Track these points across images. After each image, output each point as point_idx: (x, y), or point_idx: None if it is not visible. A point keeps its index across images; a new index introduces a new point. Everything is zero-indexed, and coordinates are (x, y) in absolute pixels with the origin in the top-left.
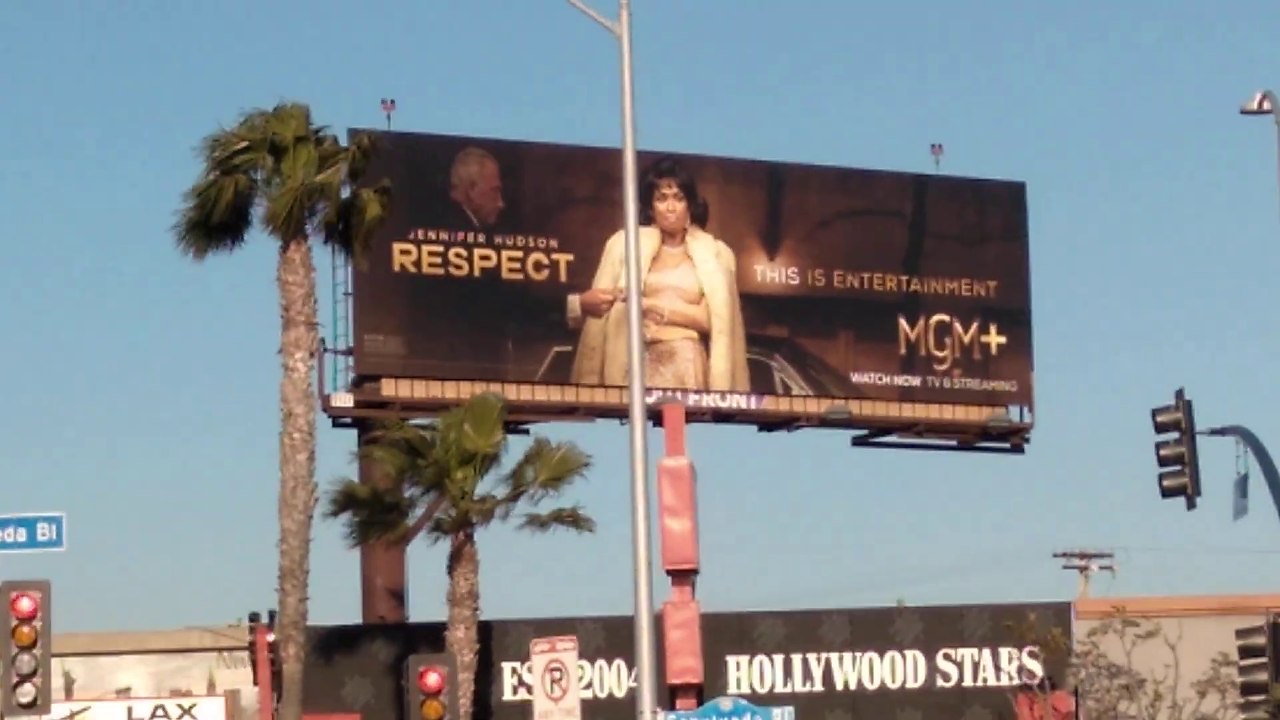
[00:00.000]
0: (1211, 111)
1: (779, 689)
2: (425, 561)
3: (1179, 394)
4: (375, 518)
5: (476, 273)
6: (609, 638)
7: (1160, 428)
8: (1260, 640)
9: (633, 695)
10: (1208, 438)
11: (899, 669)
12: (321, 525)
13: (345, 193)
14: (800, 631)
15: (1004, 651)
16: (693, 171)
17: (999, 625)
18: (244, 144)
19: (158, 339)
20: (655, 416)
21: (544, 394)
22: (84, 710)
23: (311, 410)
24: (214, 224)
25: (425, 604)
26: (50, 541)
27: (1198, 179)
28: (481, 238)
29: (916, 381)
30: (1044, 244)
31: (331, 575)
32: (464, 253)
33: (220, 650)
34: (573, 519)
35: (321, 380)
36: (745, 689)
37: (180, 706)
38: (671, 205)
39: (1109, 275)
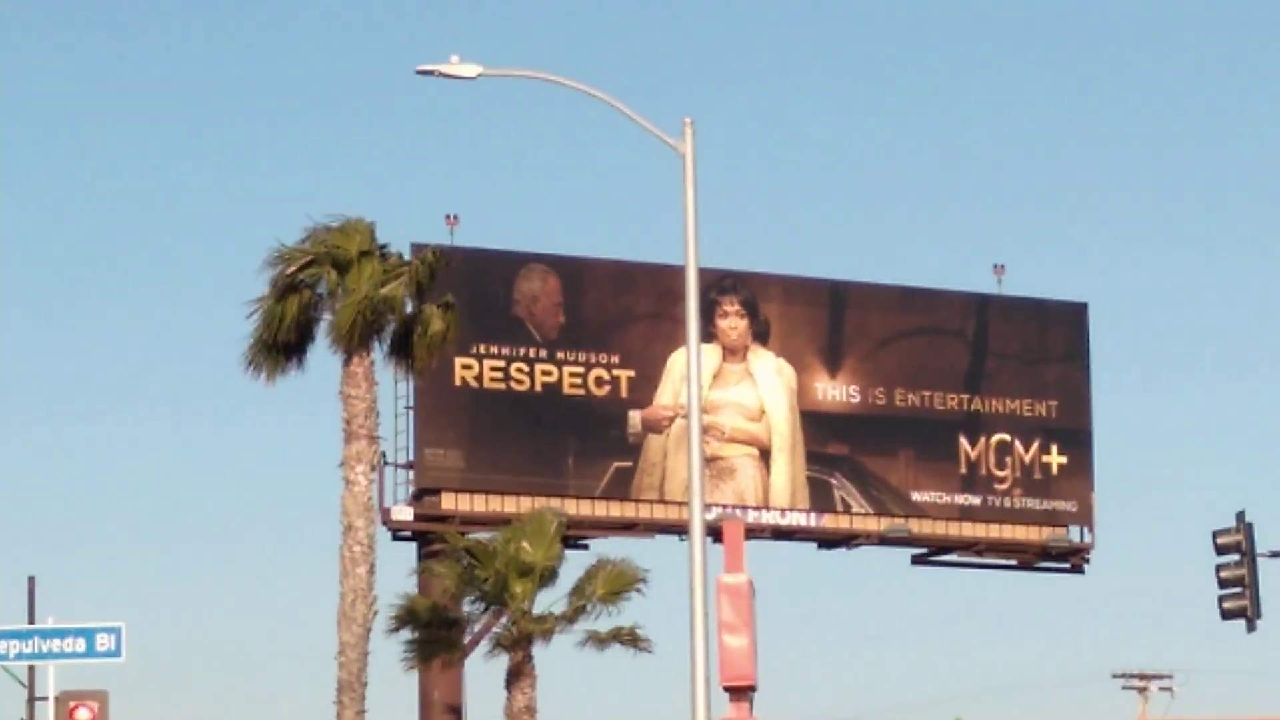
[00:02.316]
0: (1273, 233)
1: None
2: (483, 676)
3: (1240, 516)
4: (434, 635)
5: (538, 388)
6: None
7: (1221, 550)
8: None
9: None
10: (1269, 560)
11: None
12: (380, 639)
13: (409, 307)
14: None
15: None
16: (755, 289)
17: None
18: (308, 258)
19: (219, 451)
20: (715, 533)
21: (604, 509)
22: None
23: (372, 524)
24: (279, 343)
25: (483, 719)
26: (109, 652)
27: (1258, 301)
28: (543, 353)
29: (977, 501)
30: (1106, 364)
31: (389, 688)
32: (525, 368)
33: None
34: (631, 639)
35: (382, 494)
36: None
37: None
38: (733, 322)
39: (1170, 396)
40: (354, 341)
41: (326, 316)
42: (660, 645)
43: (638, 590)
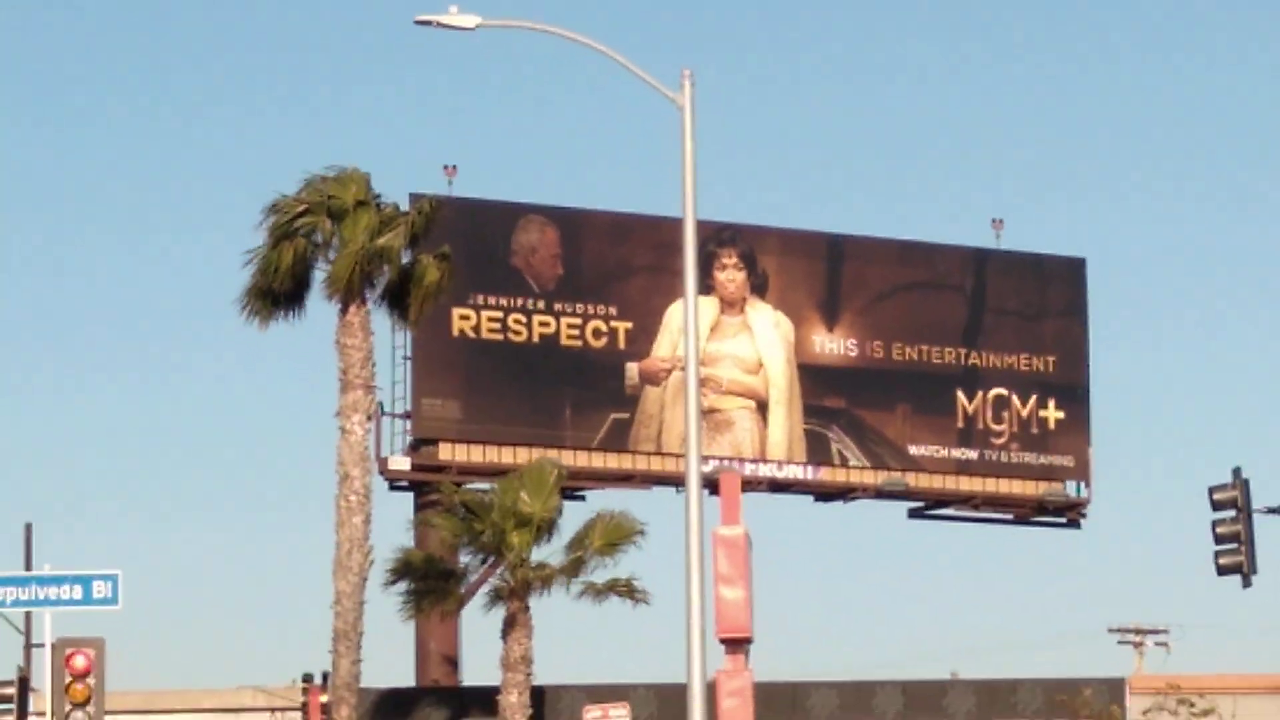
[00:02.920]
0: (1276, 187)
1: None
2: (479, 626)
3: (1236, 472)
4: (431, 586)
5: (535, 339)
6: (661, 705)
7: (1217, 505)
8: None
9: None
10: (1264, 516)
11: None
12: (376, 587)
13: (405, 258)
14: (853, 702)
15: None
16: (753, 242)
17: (1052, 700)
18: (303, 207)
19: (215, 399)
20: (711, 485)
21: (601, 461)
22: None
23: (368, 473)
24: (275, 290)
25: (478, 668)
26: (105, 599)
27: (1257, 257)
28: (541, 304)
29: (974, 455)
30: (1103, 319)
31: (385, 638)
32: (523, 319)
33: (273, 710)
34: (628, 590)
35: (379, 444)
36: None
37: None
38: (731, 275)
39: (1168, 351)
40: (350, 291)
41: (323, 266)
42: (657, 597)
43: (634, 543)
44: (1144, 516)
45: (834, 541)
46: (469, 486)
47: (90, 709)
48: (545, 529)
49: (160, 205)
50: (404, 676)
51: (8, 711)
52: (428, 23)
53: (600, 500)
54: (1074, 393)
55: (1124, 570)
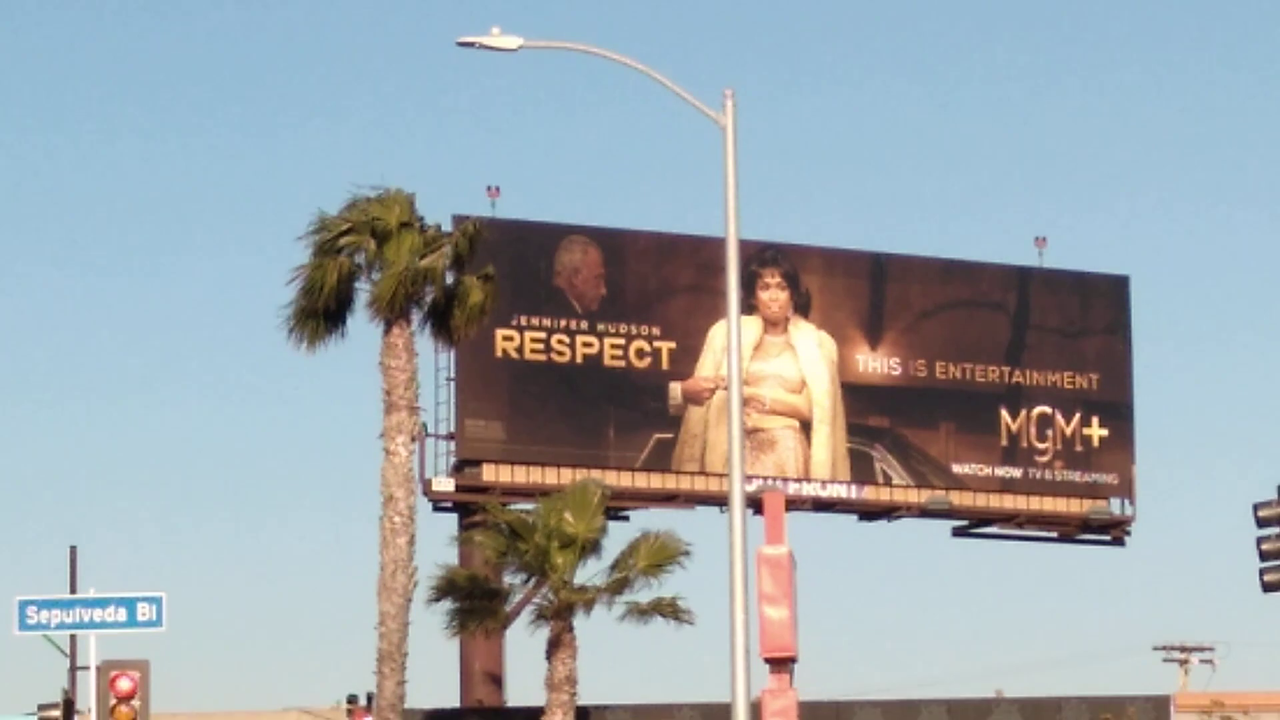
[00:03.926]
0: None
1: None
2: (524, 646)
3: None
4: (475, 605)
5: (579, 359)
6: None
7: (1262, 522)
8: None
9: None
10: None
11: None
12: (421, 608)
13: (449, 279)
14: None
15: None
16: (796, 261)
17: (1097, 717)
18: (347, 227)
19: (259, 420)
20: (755, 504)
21: (644, 481)
22: None
23: (412, 494)
24: (320, 311)
25: (523, 688)
26: (150, 622)
27: None
28: (584, 325)
29: (1018, 473)
30: (1147, 337)
31: (430, 658)
32: (566, 339)
33: None
34: (672, 610)
35: (423, 465)
36: None
37: None
38: (774, 294)
39: (1212, 368)
40: (394, 312)
41: (366, 286)
42: (700, 616)
43: (679, 563)
44: (1189, 533)
45: (878, 560)
46: (513, 507)
47: None
48: (589, 549)
49: (205, 225)
50: (449, 697)
51: None
52: (470, 44)
53: (644, 520)
54: (1118, 410)
55: (1169, 587)
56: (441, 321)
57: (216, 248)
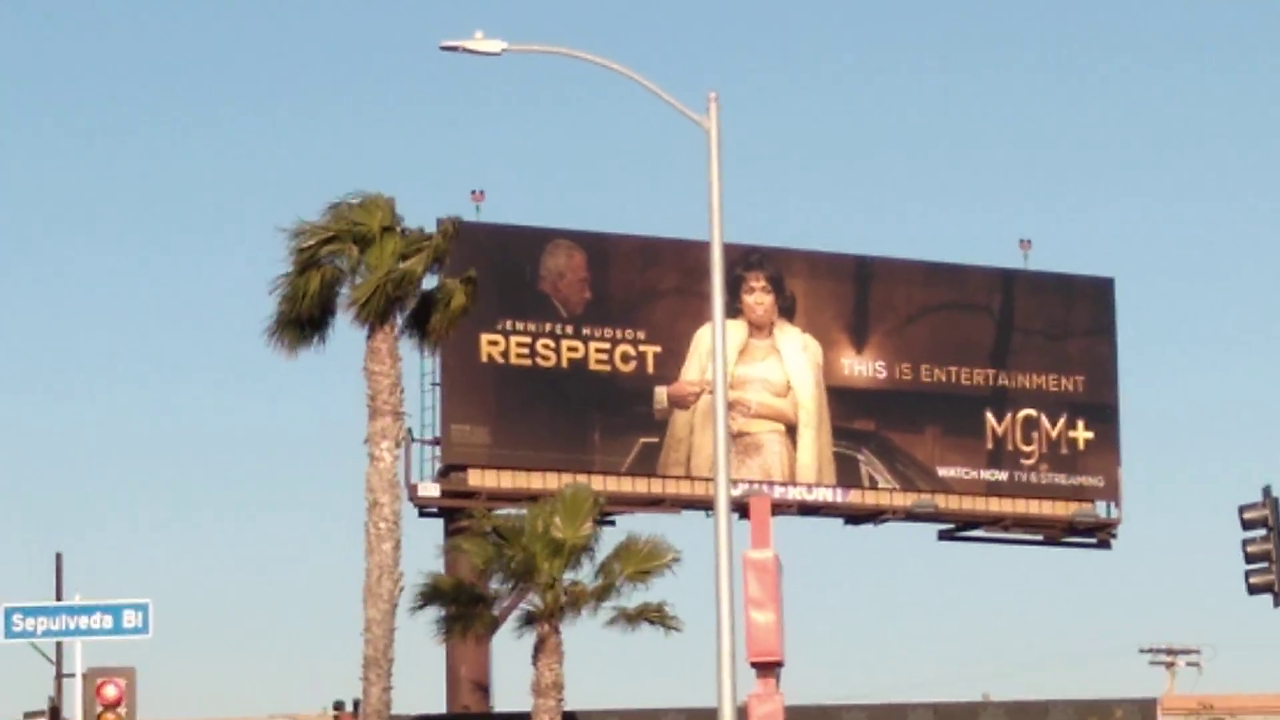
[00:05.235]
0: None
1: None
2: (510, 652)
3: (1266, 491)
4: (461, 611)
5: (564, 364)
6: None
7: (1247, 525)
8: None
9: None
10: None
11: None
12: (406, 614)
13: (431, 283)
14: None
15: None
16: (780, 265)
17: None
18: (329, 234)
19: (243, 427)
20: (741, 509)
21: (630, 485)
22: None
23: (397, 500)
24: (302, 318)
25: (509, 694)
26: (136, 629)
27: None
28: (569, 329)
29: (1003, 476)
30: (1132, 339)
31: (416, 664)
32: (551, 344)
33: None
34: (659, 617)
35: (408, 470)
36: None
37: None
38: (759, 298)
39: (1197, 371)
40: (376, 317)
41: (348, 292)
42: (687, 620)
43: (669, 569)
44: (1174, 536)
45: (864, 564)
46: (499, 512)
47: None
48: (577, 554)
49: (183, 229)
50: (435, 703)
51: None
52: (454, 48)
53: (630, 525)
54: (1103, 413)
55: (1155, 590)
56: (423, 325)
57: (198, 250)
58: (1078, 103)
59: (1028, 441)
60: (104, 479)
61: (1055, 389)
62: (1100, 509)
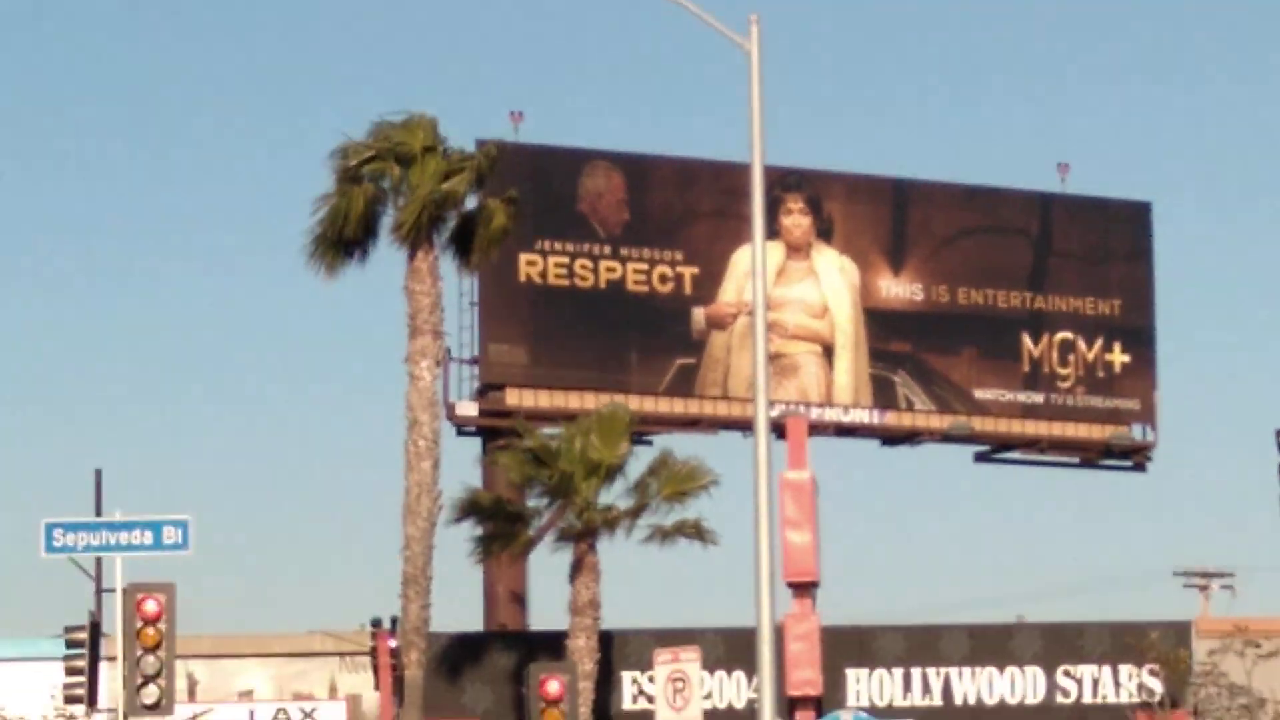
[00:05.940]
0: None
1: (898, 703)
2: (547, 570)
3: None
4: (499, 529)
5: (602, 284)
6: (729, 649)
7: None
8: None
9: (752, 706)
10: None
11: (1018, 685)
12: (445, 532)
13: (472, 203)
14: (920, 646)
15: (1124, 669)
16: (818, 187)
17: (1119, 642)
18: (371, 153)
19: (284, 345)
20: (778, 430)
21: (667, 406)
22: (206, 712)
23: (436, 419)
24: (343, 238)
25: (546, 612)
26: (176, 545)
27: None
28: (607, 250)
29: (1039, 398)
30: (1169, 262)
31: (454, 582)
32: (589, 264)
33: (342, 655)
34: (696, 531)
35: (447, 389)
36: (864, 702)
37: (302, 710)
38: (797, 220)
39: (1233, 294)
40: (417, 237)
41: (390, 212)
42: (723, 541)
43: (705, 490)
44: (1210, 459)
45: (900, 485)
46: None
47: (161, 653)
48: (614, 473)
49: (227, 151)
50: (472, 621)
51: (79, 656)
52: None
53: (666, 445)
54: (1140, 336)
55: (1190, 513)
56: (463, 245)
57: (240, 173)
58: (1115, 25)
59: (1064, 364)
60: (144, 396)
61: (1092, 312)
62: (1136, 432)
